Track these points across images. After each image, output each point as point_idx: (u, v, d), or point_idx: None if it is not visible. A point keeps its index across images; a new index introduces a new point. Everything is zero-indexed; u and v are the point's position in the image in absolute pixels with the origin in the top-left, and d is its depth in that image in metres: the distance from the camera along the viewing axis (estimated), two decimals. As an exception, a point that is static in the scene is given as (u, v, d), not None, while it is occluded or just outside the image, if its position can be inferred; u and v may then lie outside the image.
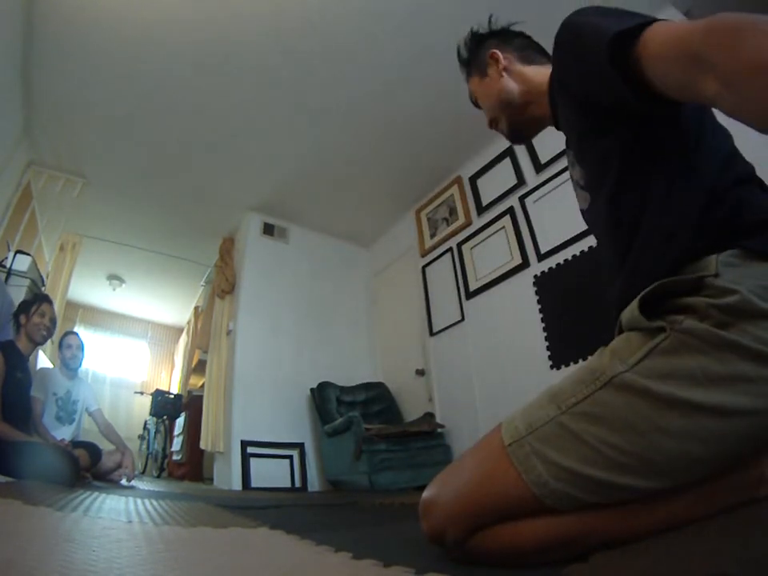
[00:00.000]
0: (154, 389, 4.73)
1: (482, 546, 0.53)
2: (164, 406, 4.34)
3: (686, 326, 0.49)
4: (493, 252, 2.84)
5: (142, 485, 2.67)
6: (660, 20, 0.49)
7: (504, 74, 0.82)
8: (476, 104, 0.92)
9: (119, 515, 0.98)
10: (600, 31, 0.52)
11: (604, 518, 0.50)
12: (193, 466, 3.75)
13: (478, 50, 0.88)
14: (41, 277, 3.00)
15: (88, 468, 2.17)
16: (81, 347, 2.61)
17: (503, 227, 2.81)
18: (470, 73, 0.90)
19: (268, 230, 3.74)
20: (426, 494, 0.59)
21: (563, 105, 0.71)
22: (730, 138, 0.61)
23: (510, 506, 0.52)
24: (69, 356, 2.56)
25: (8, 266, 2.57)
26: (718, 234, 0.52)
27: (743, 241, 0.51)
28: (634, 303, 0.53)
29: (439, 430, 2.69)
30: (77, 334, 2.68)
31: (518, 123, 0.85)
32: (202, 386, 3.94)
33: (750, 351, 0.46)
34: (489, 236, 2.91)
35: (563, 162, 2.49)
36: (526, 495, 0.51)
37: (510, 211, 2.78)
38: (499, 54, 0.84)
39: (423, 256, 3.46)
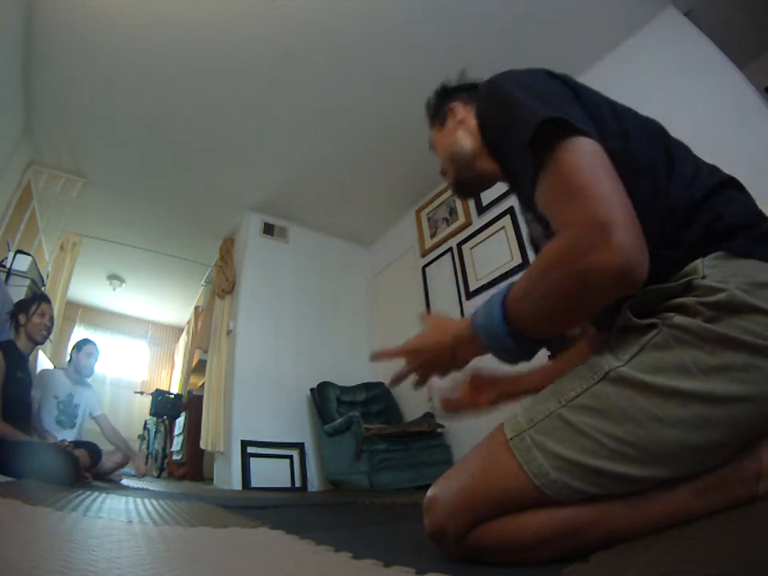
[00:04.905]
0: (154, 389, 4.73)
1: (482, 539, 0.53)
2: (164, 406, 4.34)
3: (676, 322, 0.51)
4: (493, 252, 2.84)
5: (142, 485, 2.67)
6: (578, 129, 0.52)
7: (459, 127, 0.82)
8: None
9: (119, 515, 0.97)
10: (527, 113, 0.55)
11: (603, 510, 0.50)
12: (193, 466, 3.74)
13: (443, 102, 0.88)
14: (41, 276, 3.00)
15: (88, 468, 2.17)
16: (97, 358, 2.67)
17: (503, 227, 2.81)
18: (432, 123, 0.91)
19: (268, 229, 3.74)
20: (429, 491, 0.60)
21: (504, 167, 0.71)
22: (692, 159, 0.63)
23: (510, 499, 0.52)
24: (85, 364, 2.59)
25: (8, 265, 2.57)
26: (700, 241, 0.55)
27: (725, 243, 0.53)
28: (625, 305, 0.55)
29: (439, 430, 2.69)
30: (95, 344, 2.71)
31: (465, 178, 0.84)
32: (202, 385, 3.94)
33: (739, 342, 0.48)
34: (489, 236, 2.91)
35: (563, 162, 2.49)
36: (527, 487, 0.51)
37: (510, 211, 2.77)
38: (458, 106, 0.84)
39: (423, 256, 3.46)
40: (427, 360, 0.66)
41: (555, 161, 0.53)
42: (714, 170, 0.62)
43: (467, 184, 0.86)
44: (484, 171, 0.81)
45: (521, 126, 0.55)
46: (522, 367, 0.83)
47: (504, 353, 0.59)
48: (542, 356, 0.70)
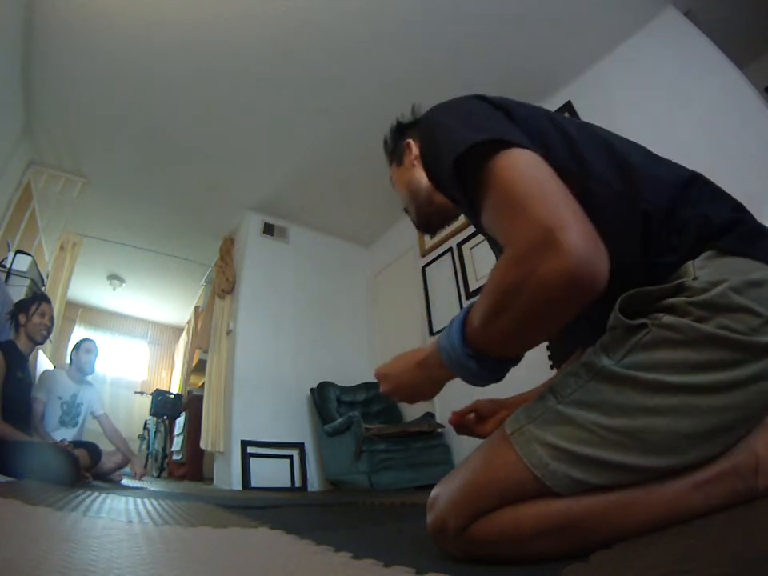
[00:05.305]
0: (154, 389, 4.73)
1: (480, 532, 0.54)
2: (164, 406, 4.34)
3: (665, 321, 0.52)
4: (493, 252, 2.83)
5: (142, 485, 2.67)
6: (509, 143, 0.52)
7: (415, 163, 0.82)
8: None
9: (119, 515, 0.97)
10: (452, 143, 0.55)
11: (602, 500, 0.51)
12: (193, 466, 3.75)
13: (399, 139, 0.88)
14: (41, 276, 3.00)
15: (88, 468, 2.17)
16: (97, 354, 2.71)
17: (503, 227, 2.81)
18: (390, 161, 0.91)
19: (268, 229, 3.74)
20: (433, 490, 0.61)
21: (452, 201, 0.70)
22: (652, 158, 0.63)
23: (510, 490, 0.53)
24: (85, 361, 2.62)
25: (8, 265, 2.57)
26: (693, 245, 0.55)
27: (714, 242, 0.55)
28: (616, 306, 0.55)
29: (439, 430, 2.69)
30: (93, 342, 2.75)
31: (425, 215, 0.85)
32: (202, 385, 3.94)
33: (727, 341, 0.49)
34: (489, 236, 2.91)
35: (563, 162, 2.49)
36: (526, 477, 0.52)
37: (510, 211, 2.77)
38: (412, 142, 0.83)
39: (423, 256, 3.46)
40: (396, 385, 0.67)
41: (490, 179, 0.52)
42: (675, 166, 0.63)
43: (429, 220, 0.86)
44: (443, 205, 0.81)
45: (447, 159, 0.54)
46: (523, 386, 0.83)
47: (470, 376, 0.57)
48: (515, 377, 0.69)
